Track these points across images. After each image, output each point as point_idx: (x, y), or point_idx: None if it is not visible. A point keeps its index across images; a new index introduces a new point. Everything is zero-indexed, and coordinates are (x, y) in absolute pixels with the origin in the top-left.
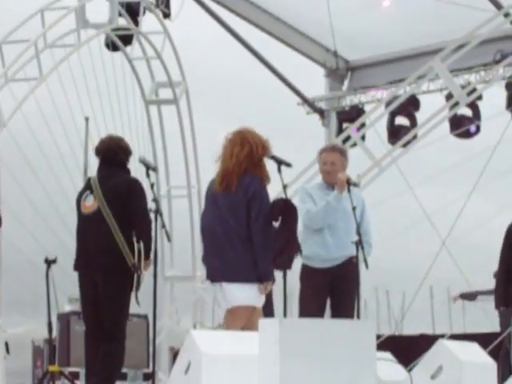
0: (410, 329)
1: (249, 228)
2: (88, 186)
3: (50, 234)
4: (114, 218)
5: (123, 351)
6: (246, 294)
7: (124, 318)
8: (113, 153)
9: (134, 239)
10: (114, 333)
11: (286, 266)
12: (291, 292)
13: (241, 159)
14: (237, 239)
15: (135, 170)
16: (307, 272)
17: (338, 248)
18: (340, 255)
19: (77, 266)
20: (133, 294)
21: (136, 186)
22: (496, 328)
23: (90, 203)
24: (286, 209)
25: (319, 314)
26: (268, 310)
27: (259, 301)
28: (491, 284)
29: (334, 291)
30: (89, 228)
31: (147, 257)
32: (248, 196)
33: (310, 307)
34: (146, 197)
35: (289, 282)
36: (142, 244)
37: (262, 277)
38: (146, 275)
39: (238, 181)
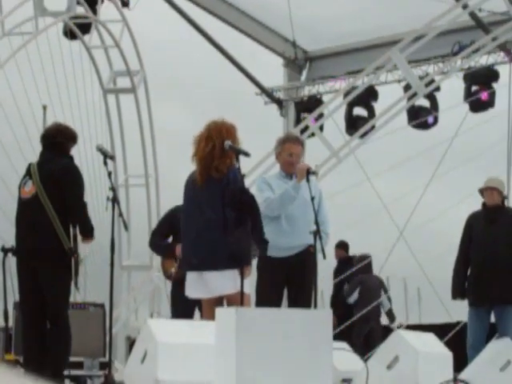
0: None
1: (225, 216)
2: (28, 172)
3: (7, 223)
4: (51, 202)
5: (70, 336)
6: (227, 281)
7: (66, 302)
8: (52, 137)
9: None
10: (58, 319)
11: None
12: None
13: (206, 154)
14: (216, 228)
15: (92, 158)
16: (264, 261)
17: (295, 237)
18: (297, 244)
19: (15, 252)
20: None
21: (70, 170)
22: (451, 319)
23: (29, 188)
24: (245, 198)
25: (276, 303)
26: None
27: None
28: (448, 275)
29: (290, 281)
30: (26, 213)
31: (89, 237)
32: (222, 186)
33: (267, 297)
34: (80, 182)
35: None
36: (77, 229)
37: (241, 262)
38: (102, 265)
39: (208, 174)
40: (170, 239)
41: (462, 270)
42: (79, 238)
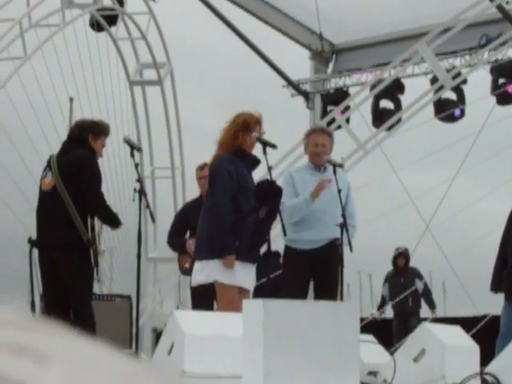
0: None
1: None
2: (48, 164)
3: (34, 215)
4: (69, 194)
5: (94, 327)
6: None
7: (88, 293)
8: (72, 130)
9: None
10: (81, 310)
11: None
12: None
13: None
14: (205, 218)
15: (119, 150)
16: (290, 254)
17: (319, 230)
18: (322, 237)
19: (36, 243)
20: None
21: (85, 161)
22: (478, 312)
23: (49, 180)
24: (271, 191)
25: (302, 296)
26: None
27: (225, 277)
28: (474, 268)
29: (316, 274)
30: (46, 205)
31: (115, 225)
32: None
33: (293, 289)
34: (97, 171)
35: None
36: (95, 219)
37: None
38: (129, 256)
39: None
40: (188, 235)
41: (498, 264)
42: (106, 227)
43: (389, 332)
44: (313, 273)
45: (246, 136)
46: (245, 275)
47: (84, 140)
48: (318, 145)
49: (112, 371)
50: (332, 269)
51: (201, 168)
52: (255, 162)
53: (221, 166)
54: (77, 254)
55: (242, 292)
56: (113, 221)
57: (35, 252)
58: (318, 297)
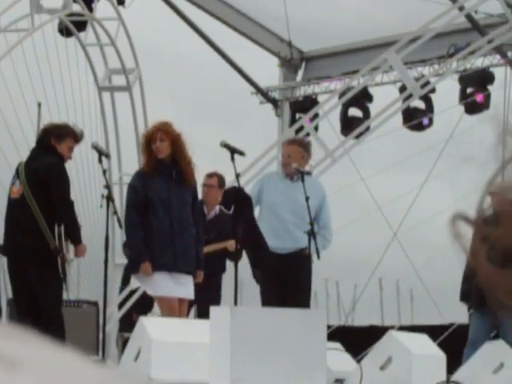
0: (359, 320)
1: None
2: (17, 171)
3: (1, 222)
4: (37, 201)
5: (63, 334)
6: None
7: (56, 300)
8: (41, 135)
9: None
10: (50, 317)
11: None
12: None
13: None
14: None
15: (87, 156)
16: (263, 254)
17: (287, 240)
18: (289, 247)
19: (4, 251)
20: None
21: (54, 169)
22: (444, 320)
23: (17, 188)
24: (239, 198)
25: (272, 298)
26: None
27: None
28: (441, 277)
29: (284, 281)
30: (14, 212)
31: (76, 241)
32: None
33: (265, 290)
34: (65, 179)
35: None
36: (62, 228)
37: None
38: (96, 262)
39: None
40: None
41: (467, 273)
42: (71, 246)
43: (355, 340)
44: (282, 279)
45: None
46: (172, 286)
47: (50, 145)
48: (283, 155)
49: (82, 378)
50: (298, 277)
51: (209, 176)
52: None
53: None
54: (43, 262)
55: (183, 301)
56: (75, 234)
57: (3, 259)
58: (282, 304)
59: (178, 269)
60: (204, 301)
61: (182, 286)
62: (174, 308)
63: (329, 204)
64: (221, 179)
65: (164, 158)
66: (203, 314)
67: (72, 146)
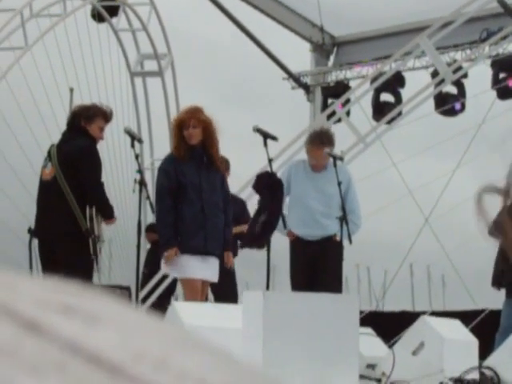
0: (391, 306)
1: None
2: (49, 154)
3: (33, 204)
4: (69, 184)
5: None
6: None
7: (88, 281)
8: (71, 117)
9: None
10: None
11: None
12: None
13: None
14: None
15: (119, 140)
16: (294, 242)
17: (315, 228)
18: (318, 235)
19: (35, 234)
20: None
21: (86, 151)
22: (477, 306)
23: (49, 170)
24: (272, 183)
25: (303, 283)
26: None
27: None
28: (473, 262)
29: (315, 268)
30: (45, 195)
31: (108, 216)
32: None
33: (295, 276)
34: (97, 161)
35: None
36: (94, 209)
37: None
38: (128, 247)
39: None
40: None
41: (499, 259)
42: (102, 220)
43: (387, 325)
44: (312, 265)
45: None
46: (199, 268)
47: (80, 127)
48: (315, 158)
49: (162, 334)
50: (329, 263)
51: None
52: None
53: None
54: (75, 244)
55: (205, 282)
56: (108, 213)
57: (35, 241)
58: (315, 289)
59: (208, 252)
60: (219, 284)
61: (209, 269)
62: (197, 290)
63: (355, 189)
64: (226, 163)
65: (195, 144)
66: (219, 296)
67: (102, 126)
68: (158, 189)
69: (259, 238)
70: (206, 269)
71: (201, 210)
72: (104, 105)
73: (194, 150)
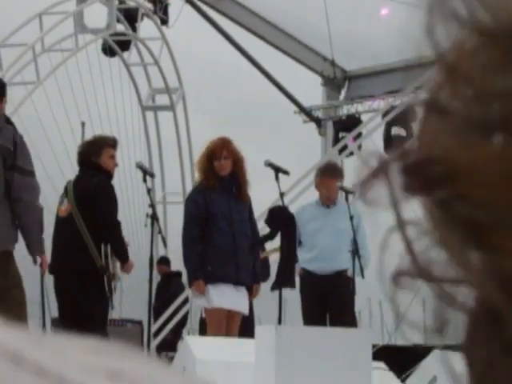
0: (402, 340)
1: None
2: (65, 190)
3: (47, 240)
4: (85, 221)
5: None
6: None
7: (102, 320)
8: (79, 157)
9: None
10: (97, 335)
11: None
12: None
13: None
14: None
15: (131, 175)
16: (305, 277)
17: (327, 263)
18: (329, 270)
19: (51, 270)
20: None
21: (102, 189)
22: None
23: (65, 207)
24: (284, 216)
25: (315, 318)
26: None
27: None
28: None
29: (327, 302)
30: (61, 231)
31: (123, 259)
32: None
33: (307, 312)
34: (113, 198)
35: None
36: (108, 247)
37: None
38: (139, 281)
39: None
40: None
41: None
42: (118, 264)
43: (400, 359)
44: (325, 300)
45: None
46: (231, 297)
47: (92, 163)
48: (327, 189)
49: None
50: (342, 297)
51: None
52: None
53: None
54: (91, 281)
55: (234, 314)
56: (122, 254)
57: (43, 278)
58: (330, 324)
59: (239, 281)
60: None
61: (239, 300)
62: (221, 322)
63: (364, 224)
64: None
65: (226, 175)
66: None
67: (112, 153)
68: (187, 217)
69: (290, 278)
70: (237, 298)
71: (232, 239)
72: (100, 135)
73: (224, 181)
